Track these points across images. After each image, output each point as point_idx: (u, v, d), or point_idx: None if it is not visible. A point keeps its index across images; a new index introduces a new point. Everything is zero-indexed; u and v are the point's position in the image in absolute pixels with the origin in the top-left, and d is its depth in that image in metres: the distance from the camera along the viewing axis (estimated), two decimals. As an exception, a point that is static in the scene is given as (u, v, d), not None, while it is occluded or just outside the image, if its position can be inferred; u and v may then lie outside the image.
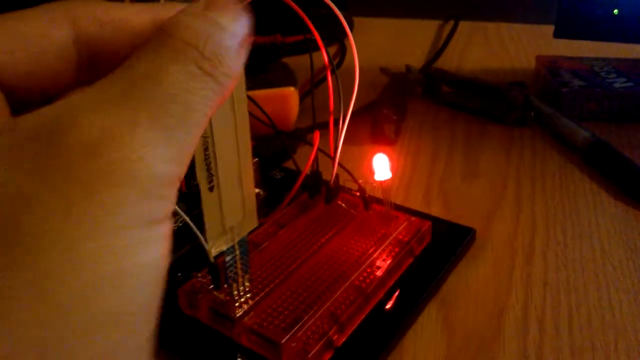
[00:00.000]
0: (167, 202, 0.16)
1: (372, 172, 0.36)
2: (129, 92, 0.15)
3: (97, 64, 0.19)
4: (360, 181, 0.37)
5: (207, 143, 0.23)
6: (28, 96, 0.18)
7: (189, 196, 0.34)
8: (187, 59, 0.16)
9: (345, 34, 0.31)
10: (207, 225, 0.25)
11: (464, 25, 0.84)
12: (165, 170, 0.15)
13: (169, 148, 0.15)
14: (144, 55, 0.16)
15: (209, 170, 0.23)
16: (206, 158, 0.23)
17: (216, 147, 0.23)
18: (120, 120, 0.15)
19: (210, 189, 0.24)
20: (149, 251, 0.15)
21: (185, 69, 0.16)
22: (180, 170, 0.16)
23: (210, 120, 0.22)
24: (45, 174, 0.14)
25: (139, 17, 0.18)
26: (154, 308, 0.16)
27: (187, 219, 0.27)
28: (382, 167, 0.35)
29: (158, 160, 0.15)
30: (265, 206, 0.38)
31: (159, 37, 0.16)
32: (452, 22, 0.84)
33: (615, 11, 0.57)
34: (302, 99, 0.52)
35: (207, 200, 0.24)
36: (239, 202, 0.26)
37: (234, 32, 0.17)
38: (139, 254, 0.15)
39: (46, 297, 0.13)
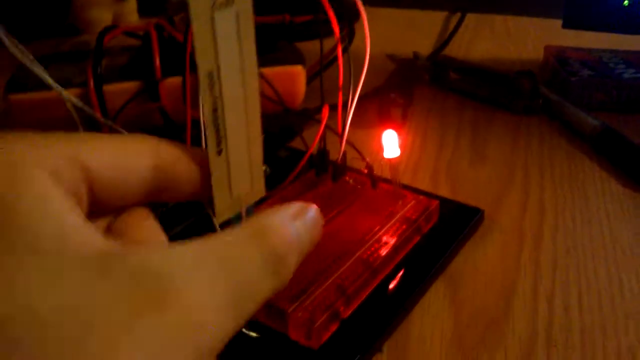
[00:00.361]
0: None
1: (380, 151, 0.35)
2: (219, 272, 0.17)
3: (163, 190, 0.21)
4: (367, 159, 0.36)
5: (216, 104, 0.22)
6: (99, 205, 0.20)
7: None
8: (269, 261, 0.18)
9: (354, 19, 0.30)
10: (214, 189, 0.24)
11: (471, 18, 0.84)
12: (222, 342, 0.17)
13: (232, 324, 0.17)
14: (230, 240, 0.18)
15: (217, 133, 0.23)
16: (215, 120, 0.22)
17: (225, 110, 0.22)
18: (208, 297, 0.16)
19: (219, 153, 0.23)
20: None
21: (265, 268, 0.18)
22: (228, 341, 0.17)
23: (220, 80, 0.22)
24: (141, 318, 0.15)
25: (197, 160, 0.21)
26: None
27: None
28: (391, 143, 0.35)
29: (219, 335, 0.16)
30: (269, 185, 0.37)
31: (248, 233, 0.19)
32: (459, 14, 0.84)
33: (626, 2, 0.57)
34: (309, 81, 0.51)
35: (215, 163, 0.23)
36: (246, 170, 0.25)
37: (307, 242, 0.20)
38: None
39: None
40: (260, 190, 0.27)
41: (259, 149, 0.25)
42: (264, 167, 0.39)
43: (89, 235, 0.17)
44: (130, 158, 0.20)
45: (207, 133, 0.23)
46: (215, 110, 0.22)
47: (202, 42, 0.21)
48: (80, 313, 0.15)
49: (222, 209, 0.25)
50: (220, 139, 0.23)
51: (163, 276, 0.16)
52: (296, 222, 0.20)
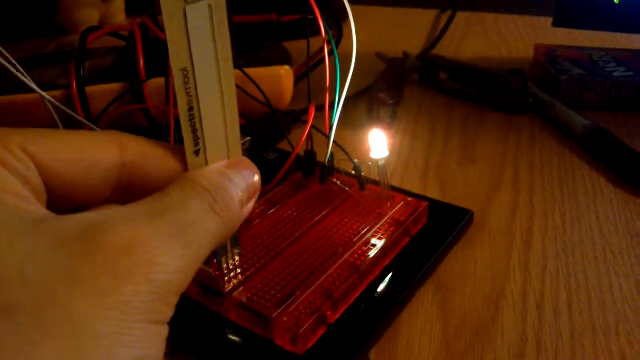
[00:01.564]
0: (172, 309, 0.18)
1: (368, 153, 0.35)
2: (157, 214, 0.19)
3: (132, 189, 0.22)
4: (356, 160, 0.36)
5: (192, 102, 0.21)
6: (63, 201, 0.21)
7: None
8: (203, 199, 0.20)
9: (341, 19, 0.30)
10: None
11: (462, 16, 0.84)
12: (176, 280, 0.18)
13: (182, 262, 0.18)
14: (172, 190, 0.20)
15: (194, 132, 0.22)
16: (191, 119, 0.22)
17: (202, 108, 0.22)
18: (149, 231, 0.18)
19: (197, 153, 0.23)
20: (152, 347, 0.17)
21: (201, 206, 0.20)
22: (186, 284, 0.19)
23: (195, 77, 0.21)
24: (85, 261, 0.17)
25: (174, 157, 0.22)
26: None
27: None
28: (379, 144, 0.34)
29: (173, 270, 0.18)
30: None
31: (185, 181, 0.21)
32: (449, 12, 0.83)
33: (616, 0, 0.56)
34: (297, 82, 0.51)
35: (194, 164, 0.23)
36: None
37: (243, 188, 0.22)
38: (144, 347, 0.17)
39: None
40: None
41: (238, 147, 0.24)
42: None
43: (30, 205, 0.18)
44: (92, 154, 0.21)
45: (183, 132, 0.22)
46: (191, 108, 0.22)
47: (174, 37, 0.20)
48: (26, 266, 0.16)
49: None
50: (197, 139, 0.22)
51: (99, 222, 0.18)
52: (227, 170, 0.22)
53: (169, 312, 0.18)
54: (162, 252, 0.18)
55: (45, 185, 0.20)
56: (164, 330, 0.18)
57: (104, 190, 0.21)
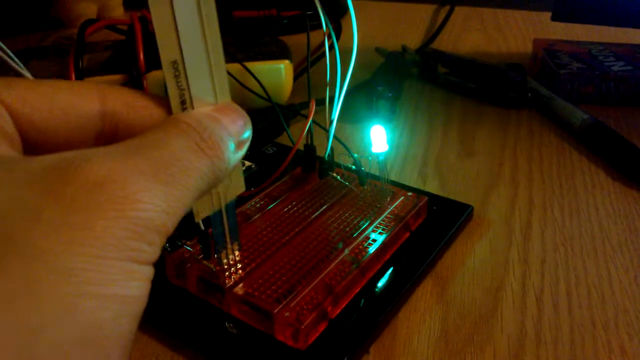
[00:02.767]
0: (155, 249, 0.17)
1: (368, 147, 0.35)
2: (136, 151, 0.18)
3: (117, 137, 0.21)
4: (355, 155, 0.36)
5: (184, 96, 0.21)
6: (43, 152, 0.19)
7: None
8: (188, 137, 0.19)
9: (340, 15, 0.30)
10: None
11: (460, 11, 0.84)
12: (158, 218, 0.17)
13: (164, 201, 0.17)
14: (154, 130, 0.19)
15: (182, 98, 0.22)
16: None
17: (194, 102, 0.21)
18: (125, 167, 0.17)
19: (182, 103, 0.22)
20: (130, 287, 0.16)
21: (185, 143, 0.19)
22: (170, 225, 0.18)
23: (186, 70, 0.21)
24: (53, 197, 0.16)
25: (160, 107, 0.21)
26: (128, 342, 0.17)
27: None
28: (379, 138, 0.34)
29: (154, 208, 0.17)
30: (256, 181, 0.37)
31: (169, 120, 0.20)
32: (447, 7, 0.83)
33: (615, -6, 0.56)
34: (297, 77, 0.51)
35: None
36: None
37: (233, 132, 0.21)
38: (121, 285, 0.16)
39: (23, 305, 0.14)
40: (239, 186, 0.26)
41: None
42: (249, 164, 0.39)
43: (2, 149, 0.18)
44: (68, 101, 0.20)
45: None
46: (183, 102, 0.21)
47: (162, 28, 0.20)
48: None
49: (200, 207, 0.25)
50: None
51: (70, 159, 0.16)
52: (215, 113, 0.21)
53: (151, 252, 0.17)
54: (139, 189, 0.17)
55: (21, 135, 0.19)
56: (147, 271, 0.17)
57: (86, 141, 0.21)
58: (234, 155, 0.21)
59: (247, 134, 0.22)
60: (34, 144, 0.20)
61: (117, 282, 0.16)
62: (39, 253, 0.15)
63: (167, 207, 0.17)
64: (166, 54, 0.20)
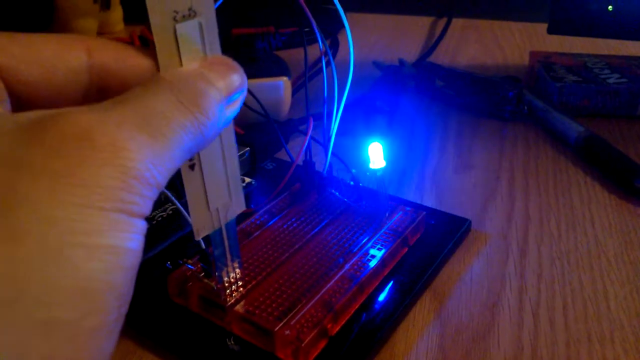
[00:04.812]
0: (145, 201, 0.17)
1: (365, 162, 0.35)
2: (117, 105, 0.17)
3: (106, 94, 0.20)
4: (353, 171, 0.36)
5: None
6: (31, 106, 0.19)
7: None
8: (170, 92, 0.19)
9: (337, 29, 0.30)
10: (190, 206, 0.24)
11: (457, 23, 0.84)
12: (145, 168, 0.17)
13: (150, 151, 0.17)
14: (138, 87, 0.19)
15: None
16: None
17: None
18: (108, 117, 0.17)
19: (191, 167, 0.23)
20: (121, 238, 0.16)
21: (169, 99, 0.18)
22: (160, 178, 0.17)
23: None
24: (36, 146, 0.15)
25: (148, 58, 0.21)
26: (122, 294, 0.16)
27: (176, 201, 0.26)
28: (377, 155, 0.35)
29: (140, 157, 0.16)
30: (257, 197, 0.37)
31: (153, 77, 0.19)
32: (445, 19, 0.84)
33: (610, 7, 0.57)
34: (295, 92, 0.52)
35: (189, 179, 0.23)
36: (223, 182, 0.25)
37: (220, 86, 0.20)
38: (109, 236, 0.16)
39: (5, 253, 0.14)
40: (240, 204, 0.26)
41: (234, 160, 0.25)
42: (249, 181, 0.40)
43: None
44: (54, 53, 0.20)
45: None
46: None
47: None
48: None
49: (200, 225, 0.25)
50: None
51: (53, 113, 0.16)
52: (201, 68, 0.20)
53: (142, 204, 0.17)
54: (124, 137, 0.16)
55: (9, 90, 0.19)
56: (137, 225, 0.17)
57: (74, 95, 0.20)
58: (222, 111, 0.20)
59: (239, 87, 0.21)
60: (23, 100, 0.19)
61: (106, 233, 0.15)
62: (22, 200, 0.14)
63: (154, 157, 0.17)
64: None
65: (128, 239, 0.16)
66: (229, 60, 0.21)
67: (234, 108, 0.21)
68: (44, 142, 0.15)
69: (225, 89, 0.20)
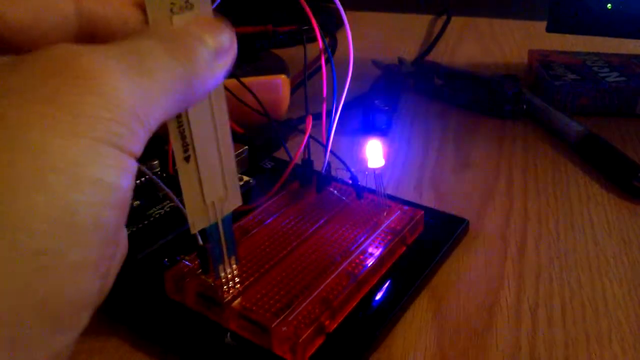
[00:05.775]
0: (136, 137, 0.16)
1: (364, 161, 0.35)
2: (110, 44, 0.17)
3: (97, 39, 0.20)
4: (352, 169, 0.36)
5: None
6: (21, 52, 0.19)
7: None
8: (161, 42, 0.18)
9: (336, 27, 0.30)
10: (185, 199, 0.24)
11: (456, 21, 0.84)
12: (133, 101, 0.16)
13: (138, 86, 0.17)
14: (127, 36, 0.18)
15: (183, 139, 0.22)
16: (179, 126, 0.22)
17: (189, 114, 0.22)
18: (94, 50, 0.16)
19: (186, 159, 0.23)
20: (107, 172, 0.16)
21: (158, 47, 0.18)
22: (150, 117, 0.17)
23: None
24: (27, 73, 0.15)
25: (136, 6, 0.21)
26: (108, 235, 0.16)
27: (173, 195, 0.26)
28: (375, 153, 0.35)
29: (127, 88, 0.16)
30: (255, 195, 0.37)
31: (143, 29, 0.19)
32: (444, 17, 0.84)
33: (609, 6, 0.57)
34: (294, 91, 0.51)
35: (184, 171, 0.23)
36: (218, 176, 0.25)
37: (209, 45, 0.20)
38: (96, 168, 0.15)
39: None
40: (236, 199, 0.26)
41: (229, 153, 0.24)
42: (248, 179, 0.39)
43: None
44: (44, 1, 0.20)
45: (172, 139, 0.22)
46: (178, 115, 0.22)
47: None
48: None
49: (196, 219, 0.25)
50: (186, 145, 0.23)
51: (39, 49, 0.16)
52: (189, 26, 0.20)
53: (132, 139, 0.16)
54: (110, 67, 0.16)
55: None
56: (127, 162, 0.16)
57: (64, 39, 0.20)
58: (211, 67, 0.20)
59: (228, 47, 0.21)
60: (12, 46, 0.19)
61: (92, 164, 0.15)
62: (7, 123, 0.14)
63: (142, 94, 0.17)
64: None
65: (115, 174, 0.16)
66: (218, 21, 0.21)
67: (224, 62, 0.21)
68: (34, 69, 0.15)
69: (214, 46, 0.20)
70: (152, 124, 0.17)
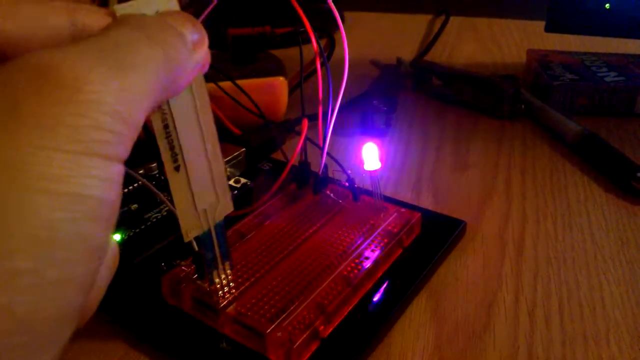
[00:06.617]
0: (120, 139, 0.16)
1: (361, 163, 0.35)
2: (84, 41, 0.17)
3: None
4: (349, 172, 0.36)
5: (166, 120, 0.22)
6: None
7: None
8: (138, 30, 0.18)
9: (334, 29, 0.30)
10: (177, 208, 0.24)
11: (455, 21, 0.84)
12: (114, 102, 0.16)
13: (117, 82, 0.16)
14: (103, 28, 0.18)
15: (172, 149, 0.22)
16: (167, 136, 0.22)
17: (177, 123, 0.22)
18: (68, 54, 0.16)
19: (176, 169, 0.23)
20: (89, 185, 0.15)
21: (134, 34, 0.18)
22: (134, 113, 0.16)
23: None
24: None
25: None
26: (92, 247, 0.15)
27: (167, 201, 0.26)
28: (371, 156, 0.35)
29: (106, 89, 0.15)
30: (252, 197, 0.37)
31: (118, 19, 0.19)
32: (442, 17, 0.84)
33: (607, 5, 0.57)
34: (291, 92, 0.51)
35: (174, 181, 0.23)
36: (209, 183, 0.25)
37: (182, 30, 0.19)
38: (76, 183, 0.15)
39: None
40: (227, 205, 0.26)
41: (218, 160, 0.25)
42: (245, 181, 0.39)
43: None
44: (38, 14, 0.19)
45: (160, 150, 0.22)
46: (166, 125, 0.22)
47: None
48: None
49: (188, 227, 0.25)
50: (175, 155, 0.23)
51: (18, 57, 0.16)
52: (163, 15, 0.20)
53: (116, 143, 0.16)
54: (86, 70, 0.15)
55: None
56: (110, 169, 0.16)
57: None
58: (190, 52, 0.20)
59: (200, 34, 0.20)
60: (4, 57, 0.18)
61: (72, 179, 0.15)
62: None
63: (122, 89, 0.16)
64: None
65: (98, 186, 0.15)
66: (189, 15, 0.21)
67: (201, 51, 0.20)
68: (5, 82, 0.15)
69: (186, 31, 0.20)
70: (138, 119, 0.17)
